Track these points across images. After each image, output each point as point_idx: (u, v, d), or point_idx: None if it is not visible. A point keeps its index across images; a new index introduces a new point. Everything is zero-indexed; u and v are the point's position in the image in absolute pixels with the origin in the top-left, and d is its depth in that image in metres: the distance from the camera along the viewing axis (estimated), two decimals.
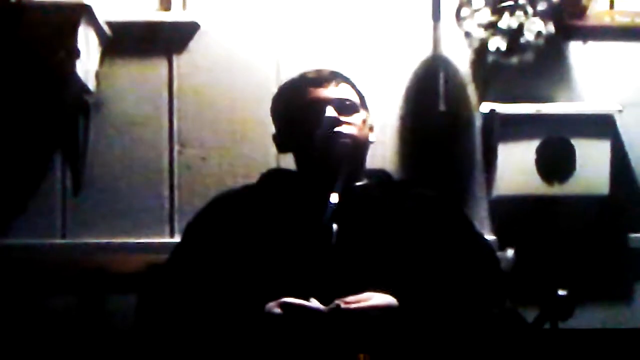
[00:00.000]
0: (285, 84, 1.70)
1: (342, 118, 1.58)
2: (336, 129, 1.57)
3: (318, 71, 1.66)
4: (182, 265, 1.58)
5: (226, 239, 1.56)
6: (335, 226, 1.54)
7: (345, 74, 1.67)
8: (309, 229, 1.54)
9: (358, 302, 1.42)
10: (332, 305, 1.41)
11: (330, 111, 1.57)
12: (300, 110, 1.61)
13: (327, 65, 1.77)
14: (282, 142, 1.68)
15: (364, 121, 1.64)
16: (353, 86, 1.66)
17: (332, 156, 1.57)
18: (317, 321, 1.40)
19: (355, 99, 1.64)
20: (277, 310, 1.42)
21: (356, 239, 1.54)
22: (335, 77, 1.64)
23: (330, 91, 1.61)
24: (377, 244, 1.54)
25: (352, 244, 1.53)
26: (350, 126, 1.59)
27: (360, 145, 1.63)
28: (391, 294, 1.46)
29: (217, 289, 1.51)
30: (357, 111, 1.62)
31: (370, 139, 1.67)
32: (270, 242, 1.54)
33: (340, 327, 1.40)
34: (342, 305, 1.41)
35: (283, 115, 1.67)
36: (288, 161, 1.69)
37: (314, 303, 1.42)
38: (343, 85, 1.63)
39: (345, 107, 1.60)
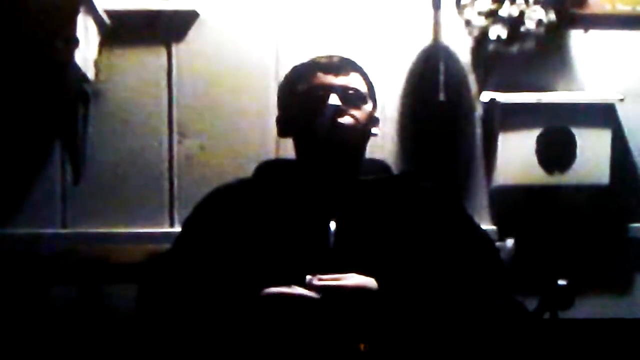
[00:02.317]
0: (296, 66, 1.66)
1: (346, 107, 1.56)
2: (338, 119, 1.55)
3: (329, 57, 1.63)
4: (181, 260, 1.57)
5: (223, 234, 1.55)
6: (333, 224, 1.53)
7: (357, 63, 1.64)
8: (306, 224, 1.53)
9: (334, 280, 1.43)
10: (306, 283, 1.41)
11: (334, 99, 1.55)
12: (304, 95, 1.58)
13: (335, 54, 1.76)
14: (283, 125, 1.66)
15: (369, 113, 1.61)
16: (364, 76, 1.63)
17: (330, 144, 1.55)
18: (303, 306, 1.41)
19: (363, 90, 1.61)
20: (266, 300, 1.43)
21: (354, 237, 1.53)
22: (345, 64, 1.61)
23: (337, 79, 1.58)
24: (375, 240, 1.53)
25: (351, 242, 1.52)
26: (352, 117, 1.57)
27: (360, 138, 1.60)
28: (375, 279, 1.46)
29: (216, 282, 1.50)
30: (363, 102, 1.60)
31: (373, 131, 1.65)
32: (267, 236, 1.53)
33: (323, 307, 1.41)
34: (315, 281, 1.41)
35: (287, 98, 1.65)
36: (287, 150, 1.68)
37: (295, 289, 1.42)
38: (353, 74, 1.60)
39: (351, 97, 1.58)
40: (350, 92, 1.58)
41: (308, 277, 1.43)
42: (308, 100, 1.57)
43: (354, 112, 1.57)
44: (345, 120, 1.56)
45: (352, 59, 1.65)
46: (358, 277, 1.45)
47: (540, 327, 1.79)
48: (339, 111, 1.55)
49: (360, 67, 1.64)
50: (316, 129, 1.54)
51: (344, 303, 1.42)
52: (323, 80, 1.58)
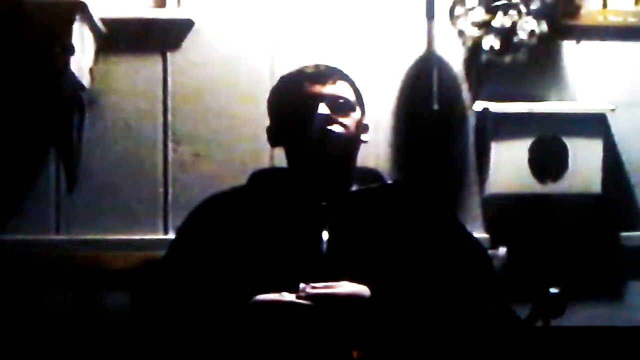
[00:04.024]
0: (283, 77, 1.68)
1: (336, 116, 1.57)
2: (328, 127, 1.56)
3: (316, 66, 1.64)
4: (174, 268, 1.58)
5: (216, 242, 1.56)
6: (326, 234, 1.54)
7: (344, 71, 1.66)
8: (299, 233, 1.54)
9: (327, 288, 1.43)
10: (299, 291, 1.42)
11: (323, 108, 1.56)
12: (293, 105, 1.60)
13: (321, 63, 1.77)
14: (274, 135, 1.68)
15: (358, 121, 1.63)
16: (351, 84, 1.65)
17: (322, 153, 1.56)
18: (296, 314, 1.41)
19: (352, 98, 1.62)
20: (257, 307, 1.43)
21: (346, 246, 1.53)
22: (333, 73, 1.63)
23: (325, 88, 1.59)
24: (367, 249, 1.54)
25: (343, 251, 1.53)
26: (342, 125, 1.58)
27: (351, 145, 1.61)
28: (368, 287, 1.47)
29: (209, 290, 1.50)
30: (351, 110, 1.61)
31: (363, 138, 1.66)
32: (260, 245, 1.53)
33: (314, 314, 1.41)
34: (308, 290, 1.42)
35: (277, 109, 1.66)
36: (282, 158, 1.69)
37: (285, 296, 1.43)
38: (340, 82, 1.62)
39: (340, 105, 1.59)
40: (339, 100, 1.59)
41: (301, 285, 1.44)
42: (297, 110, 1.58)
43: (343, 120, 1.58)
44: (335, 128, 1.57)
45: (339, 67, 1.66)
46: (351, 284, 1.46)
47: (532, 335, 1.79)
48: (329, 120, 1.56)
49: (347, 75, 1.65)
50: (307, 139, 1.56)
51: (337, 311, 1.43)
52: (311, 89, 1.59)
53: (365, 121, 1.67)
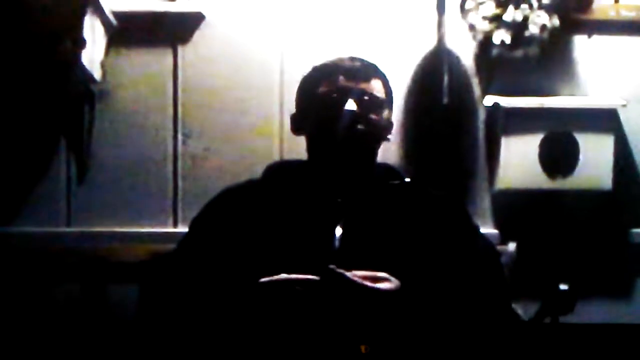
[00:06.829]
0: (317, 66, 1.66)
1: (364, 113, 1.57)
2: (354, 125, 1.55)
3: (352, 60, 1.63)
4: (188, 259, 1.58)
5: (230, 234, 1.56)
6: (339, 230, 1.54)
7: (379, 68, 1.65)
8: (312, 227, 1.54)
9: (366, 278, 1.41)
10: (330, 270, 1.40)
11: (351, 104, 1.55)
12: (323, 97, 1.59)
13: (332, 57, 1.73)
14: (298, 123, 1.67)
15: (386, 119, 1.63)
16: (384, 82, 1.64)
17: (345, 149, 1.56)
18: (308, 304, 1.40)
19: (382, 96, 1.62)
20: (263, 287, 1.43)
21: (359, 242, 1.53)
22: (367, 70, 1.62)
23: (357, 84, 1.58)
24: (379, 246, 1.53)
25: (355, 247, 1.53)
26: (368, 123, 1.57)
27: (374, 143, 1.62)
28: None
29: (221, 282, 1.51)
30: (380, 108, 1.60)
31: (387, 137, 1.66)
32: (273, 238, 1.53)
33: (336, 297, 1.40)
34: (342, 272, 1.39)
35: (306, 97, 1.65)
36: (291, 153, 1.69)
37: (292, 275, 1.41)
38: (374, 80, 1.61)
39: (368, 103, 1.58)
40: (369, 98, 1.59)
41: (331, 267, 1.40)
42: (326, 103, 1.58)
43: (371, 118, 1.58)
44: (362, 126, 1.56)
45: (375, 63, 1.65)
46: (390, 279, 1.44)
47: (540, 331, 1.79)
48: (356, 116, 1.56)
49: (382, 73, 1.65)
50: (332, 132, 1.55)
51: (374, 305, 1.42)
52: (343, 84, 1.58)
53: (391, 119, 1.67)
